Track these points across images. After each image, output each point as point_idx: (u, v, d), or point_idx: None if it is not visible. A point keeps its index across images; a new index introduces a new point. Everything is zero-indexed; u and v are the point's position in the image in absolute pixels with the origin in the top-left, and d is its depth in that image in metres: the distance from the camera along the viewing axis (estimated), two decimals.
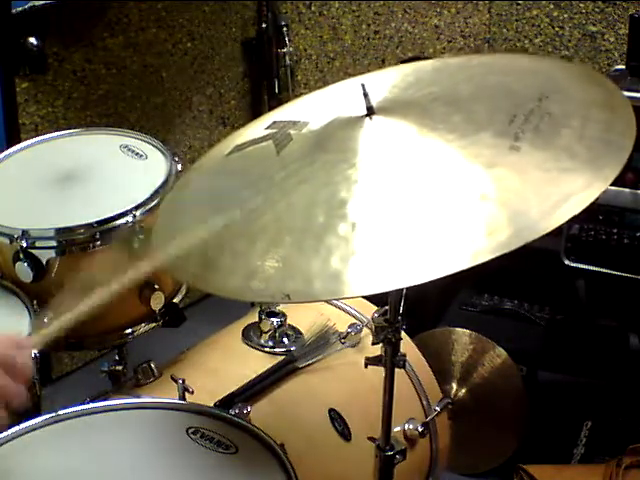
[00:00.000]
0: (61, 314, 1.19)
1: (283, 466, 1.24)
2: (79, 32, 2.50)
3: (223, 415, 1.35)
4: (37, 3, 2.28)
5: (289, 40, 2.86)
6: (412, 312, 1.54)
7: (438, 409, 1.73)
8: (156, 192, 1.69)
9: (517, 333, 2.38)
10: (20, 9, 2.25)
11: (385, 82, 1.37)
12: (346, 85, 1.45)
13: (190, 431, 1.30)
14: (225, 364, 1.66)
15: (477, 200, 1.10)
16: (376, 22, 2.94)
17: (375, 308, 1.53)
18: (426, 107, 1.28)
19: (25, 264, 1.61)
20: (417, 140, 1.21)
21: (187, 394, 1.46)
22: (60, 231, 1.63)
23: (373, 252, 1.09)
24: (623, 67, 2.15)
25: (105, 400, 1.42)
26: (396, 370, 1.39)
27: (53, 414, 1.32)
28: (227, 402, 1.50)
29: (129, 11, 2.61)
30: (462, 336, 2.28)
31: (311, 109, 1.42)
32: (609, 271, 2.13)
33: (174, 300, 1.76)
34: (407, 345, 1.67)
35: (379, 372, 1.40)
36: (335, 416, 1.59)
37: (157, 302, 1.70)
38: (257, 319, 1.70)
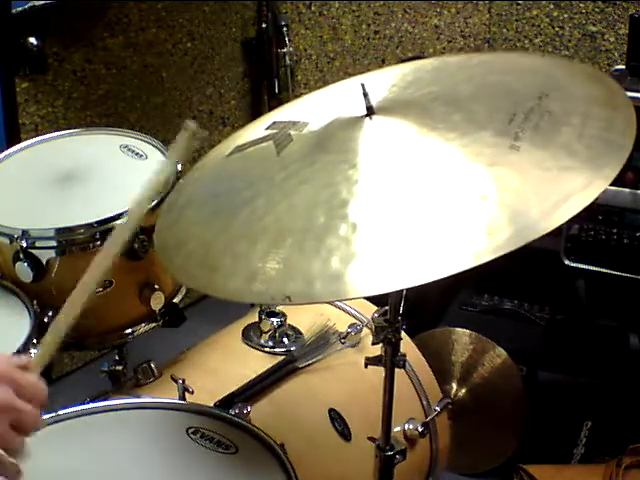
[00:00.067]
0: (54, 329, 1.14)
1: (283, 466, 1.24)
2: (79, 32, 2.50)
3: (223, 415, 1.35)
4: (37, 3, 2.28)
5: (289, 40, 2.86)
6: (412, 312, 1.54)
7: (438, 409, 1.73)
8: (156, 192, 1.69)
9: (517, 333, 2.38)
10: (20, 9, 2.25)
11: (385, 82, 1.37)
12: (346, 85, 1.45)
13: (190, 431, 1.30)
14: (225, 364, 1.66)
15: (477, 200, 1.10)
16: (376, 22, 2.93)
17: (375, 308, 1.53)
18: (426, 106, 1.27)
19: (25, 264, 1.61)
20: (417, 140, 1.21)
21: (187, 394, 1.46)
22: (60, 231, 1.63)
23: (374, 253, 1.09)
24: (623, 67, 2.15)
25: (105, 400, 1.42)
26: (396, 370, 1.39)
27: (53, 414, 1.32)
28: (227, 402, 1.50)
29: (129, 11, 2.61)
30: (462, 336, 2.28)
31: (311, 109, 1.42)
32: (609, 271, 2.12)
33: (174, 300, 1.76)
34: (407, 345, 1.66)
35: (379, 372, 1.40)
36: (335, 416, 1.59)
37: (157, 302, 1.70)
38: (257, 319, 1.70)
